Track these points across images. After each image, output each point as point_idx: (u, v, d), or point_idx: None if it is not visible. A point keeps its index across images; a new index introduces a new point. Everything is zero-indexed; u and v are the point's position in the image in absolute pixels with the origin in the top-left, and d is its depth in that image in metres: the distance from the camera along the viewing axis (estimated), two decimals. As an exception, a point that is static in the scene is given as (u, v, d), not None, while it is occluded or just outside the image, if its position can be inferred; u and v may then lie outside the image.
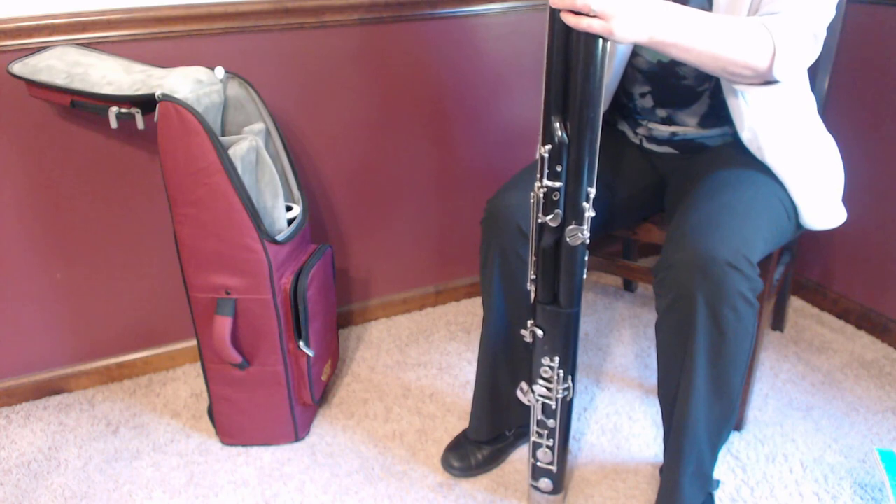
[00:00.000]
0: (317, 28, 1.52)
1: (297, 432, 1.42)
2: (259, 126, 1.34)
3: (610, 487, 1.30)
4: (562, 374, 1.08)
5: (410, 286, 1.90)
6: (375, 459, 1.38)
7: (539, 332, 1.07)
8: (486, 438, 1.33)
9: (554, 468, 1.18)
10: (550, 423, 1.13)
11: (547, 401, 1.11)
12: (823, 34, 1.01)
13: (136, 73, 1.26)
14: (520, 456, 1.38)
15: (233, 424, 1.40)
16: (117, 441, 1.46)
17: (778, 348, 1.69)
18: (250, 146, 1.24)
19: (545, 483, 1.20)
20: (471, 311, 1.90)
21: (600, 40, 0.87)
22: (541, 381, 1.10)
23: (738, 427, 1.42)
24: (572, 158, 0.93)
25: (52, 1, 1.32)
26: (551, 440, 1.15)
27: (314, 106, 1.59)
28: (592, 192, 0.96)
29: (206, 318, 1.30)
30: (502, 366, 1.27)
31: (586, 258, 1.01)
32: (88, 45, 1.36)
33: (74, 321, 1.58)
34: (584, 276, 1.02)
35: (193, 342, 1.70)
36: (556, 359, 1.07)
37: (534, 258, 1.03)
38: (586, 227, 0.97)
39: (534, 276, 1.04)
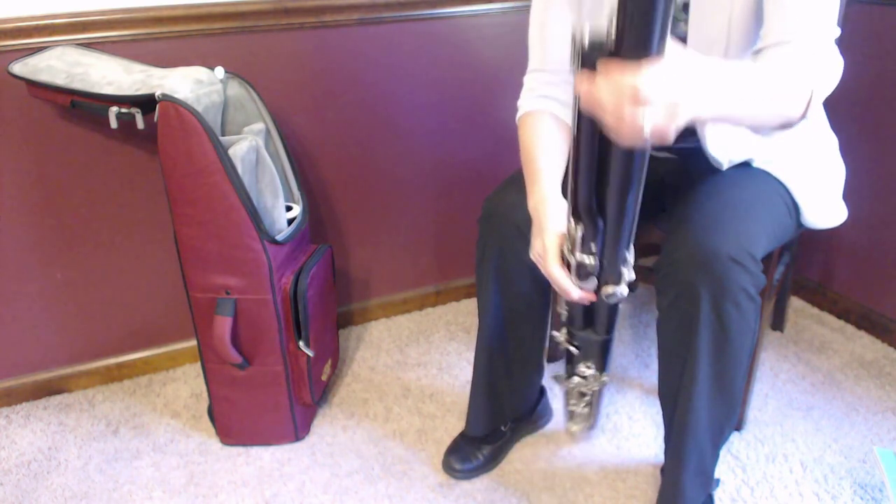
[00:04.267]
0: (317, 28, 1.52)
1: (297, 432, 1.42)
2: (259, 126, 1.34)
3: (610, 487, 1.30)
4: (598, 374, 1.08)
5: (410, 286, 1.90)
6: (375, 459, 1.38)
7: (574, 350, 1.02)
8: (482, 433, 1.33)
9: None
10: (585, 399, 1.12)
11: (583, 389, 1.10)
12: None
13: (136, 73, 1.26)
14: (520, 456, 1.38)
15: (233, 424, 1.40)
16: (117, 441, 1.46)
17: (778, 348, 1.69)
18: (250, 146, 1.24)
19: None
20: (471, 311, 1.90)
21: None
22: (577, 379, 1.08)
23: (739, 427, 1.42)
24: (609, 237, 0.80)
25: (52, 1, 1.32)
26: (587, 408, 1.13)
27: (314, 106, 1.59)
28: (631, 257, 0.83)
29: (206, 318, 1.30)
30: (498, 362, 1.27)
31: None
32: (88, 45, 1.36)
33: (74, 321, 1.58)
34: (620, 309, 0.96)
35: (193, 342, 1.70)
36: (592, 363, 1.05)
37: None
38: (625, 285, 0.85)
39: (566, 310, 0.97)
